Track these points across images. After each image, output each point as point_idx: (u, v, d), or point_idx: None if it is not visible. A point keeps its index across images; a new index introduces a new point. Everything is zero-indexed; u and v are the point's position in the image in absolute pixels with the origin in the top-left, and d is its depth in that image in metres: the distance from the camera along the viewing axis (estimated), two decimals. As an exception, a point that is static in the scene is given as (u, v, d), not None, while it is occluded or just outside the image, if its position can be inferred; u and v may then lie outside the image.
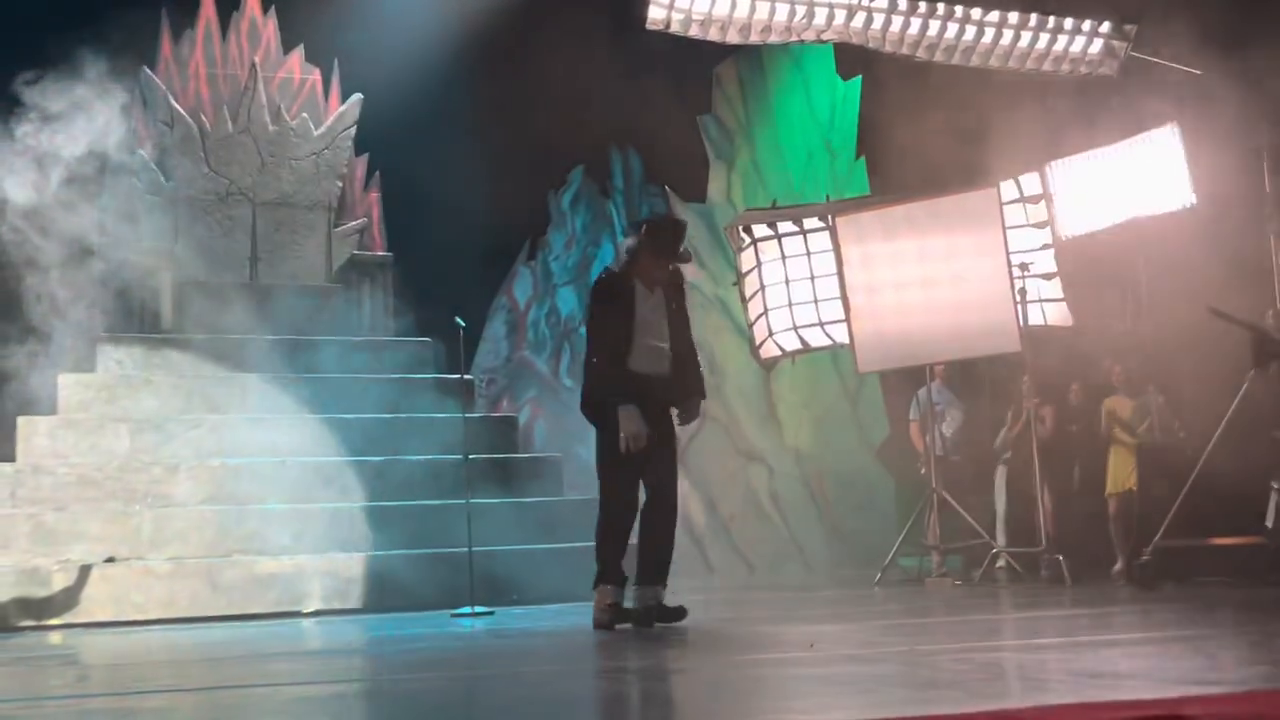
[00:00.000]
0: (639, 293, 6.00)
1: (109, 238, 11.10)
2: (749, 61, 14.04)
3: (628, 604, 5.89)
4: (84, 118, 10.51)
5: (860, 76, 13.57)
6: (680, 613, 5.82)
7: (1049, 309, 9.91)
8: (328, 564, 8.18)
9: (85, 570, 7.72)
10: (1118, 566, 8.75)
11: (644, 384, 5.93)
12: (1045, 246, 9.90)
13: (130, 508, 8.27)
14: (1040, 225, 9.94)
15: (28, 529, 8.00)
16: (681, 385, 6.07)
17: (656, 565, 5.90)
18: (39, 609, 7.55)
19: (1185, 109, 9.26)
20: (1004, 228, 9.32)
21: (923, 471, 9.86)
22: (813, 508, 13.31)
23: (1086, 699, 2.91)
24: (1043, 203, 9.88)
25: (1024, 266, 9.03)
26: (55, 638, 6.97)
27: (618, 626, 5.78)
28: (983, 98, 10.43)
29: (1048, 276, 9.87)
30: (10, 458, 8.73)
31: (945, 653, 4.23)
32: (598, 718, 3.17)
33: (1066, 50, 10.50)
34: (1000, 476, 9.91)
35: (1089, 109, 10.67)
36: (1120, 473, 9.00)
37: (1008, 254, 9.20)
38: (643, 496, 5.99)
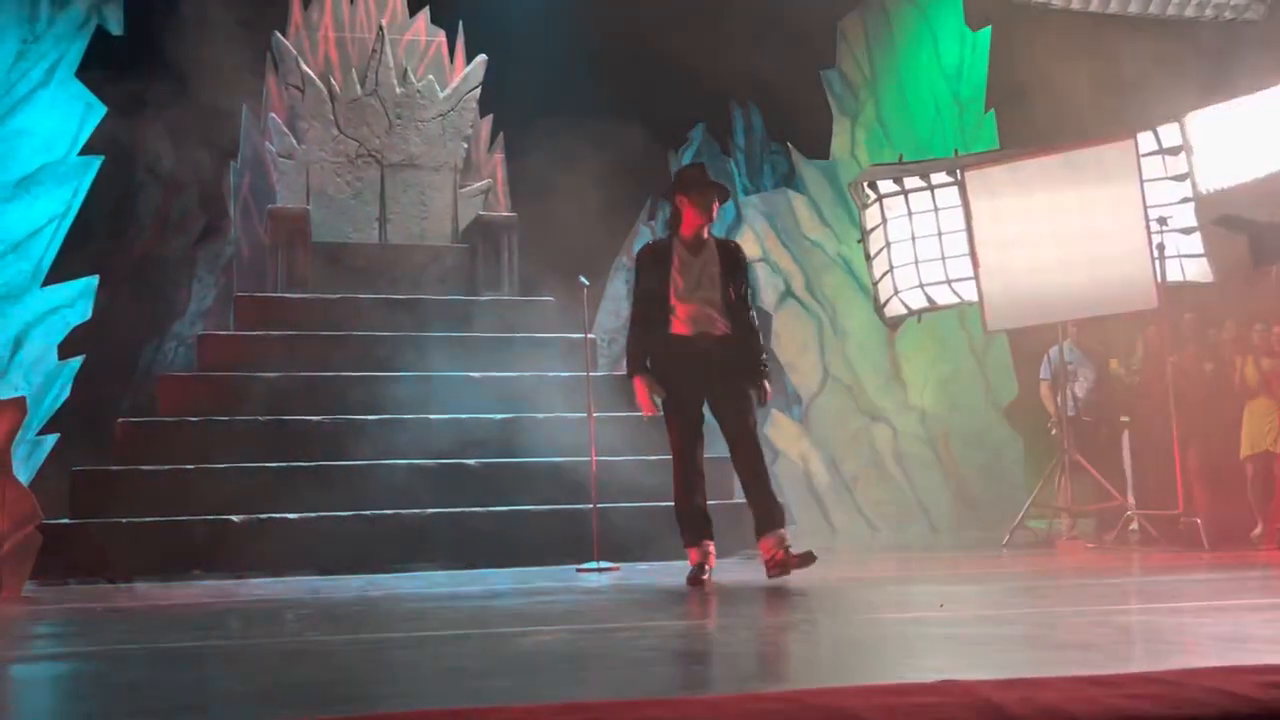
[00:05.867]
0: (680, 255, 6.00)
1: (244, 199, 11.42)
2: (874, 13, 13.78)
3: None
4: (218, 82, 10.79)
5: (990, 26, 13.23)
6: (808, 558, 5.84)
7: (1188, 264, 9.59)
8: (455, 519, 8.33)
9: (225, 523, 7.98)
10: (1257, 531, 8.47)
11: (687, 345, 5.95)
12: (1185, 200, 9.57)
13: (267, 463, 8.51)
14: (1179, 178, 9.60)
15: (170, 482, 8.28)
16: (742, 358, 6.01)
17: (759, 516, 5.98)
18: (182, 561, 7.82)
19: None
20: (1141, 181, 9.01)
21: (1054, 432, 9.65)
22: (938, 469, 13.14)
23: (1230, 663, 2.82)
24: (1182, 155, 9.54)
25: (1162, 221, 8.73)
26: (198, 588, 7.22)
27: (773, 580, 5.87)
28: (1118, 45, 10.09)
29: (1187, 231, 9.54)
30: (154, 413, 9.06)
31: (1080, 615, 4.15)
32: (729, 671, 3.17)
33: (1210, -6, 10.09)
34: (1125, 437, 9.66)
35: (1232, 56, 10.24)
36: (1258, 433, 8.68)
37: (1145, 208, 8.90)
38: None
